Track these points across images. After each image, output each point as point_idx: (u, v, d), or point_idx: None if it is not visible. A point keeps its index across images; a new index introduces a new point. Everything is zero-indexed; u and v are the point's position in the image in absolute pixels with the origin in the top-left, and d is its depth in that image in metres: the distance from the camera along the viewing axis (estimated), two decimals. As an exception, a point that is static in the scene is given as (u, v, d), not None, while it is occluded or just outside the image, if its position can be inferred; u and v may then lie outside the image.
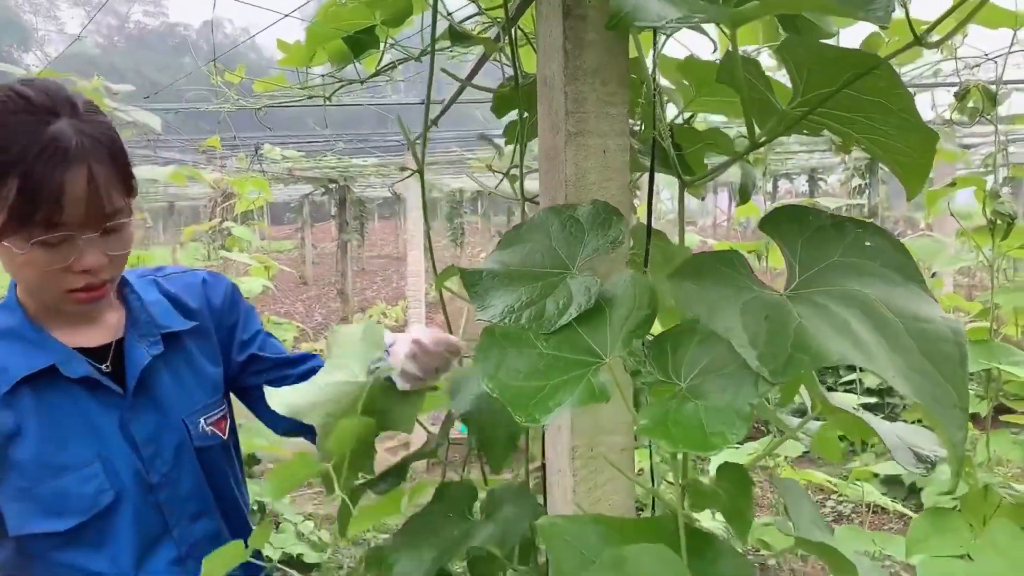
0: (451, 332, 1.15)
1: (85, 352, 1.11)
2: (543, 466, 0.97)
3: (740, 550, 0.71)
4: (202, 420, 1.18)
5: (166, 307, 1.19)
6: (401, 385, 1.03)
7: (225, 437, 1.22)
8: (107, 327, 1.15)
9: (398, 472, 1.07)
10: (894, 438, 0.69)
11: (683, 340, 0.66)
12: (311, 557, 3.41)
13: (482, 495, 1.01)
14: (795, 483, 0.84)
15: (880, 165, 7.39)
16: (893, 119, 0.67)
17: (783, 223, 0.69)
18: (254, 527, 1.27)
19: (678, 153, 0.83)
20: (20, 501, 1.05)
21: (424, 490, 1.40)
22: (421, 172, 1.12)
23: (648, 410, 0.60)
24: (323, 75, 1.62)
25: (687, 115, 1.08)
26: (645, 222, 0.88)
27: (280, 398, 1.02)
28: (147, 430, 1.12)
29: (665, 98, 1.04)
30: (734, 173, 1.03)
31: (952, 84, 1.59)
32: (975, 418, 2.08)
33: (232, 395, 1.31)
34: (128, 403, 1.12)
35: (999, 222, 1.36)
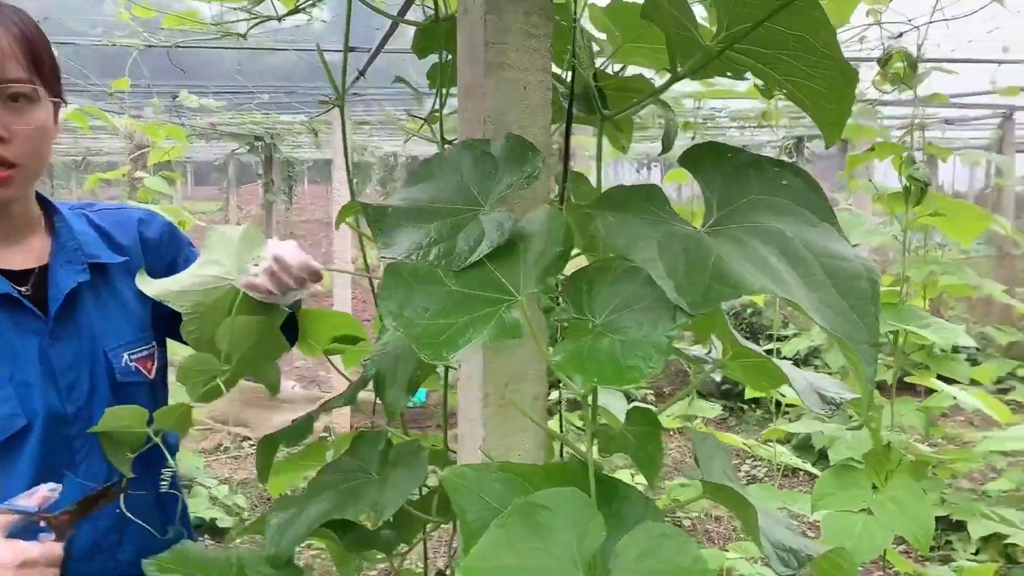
0: (375, 294, 1.11)
1: (7, 275, 1.08)
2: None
3: (650, 497, 0.69)
4: (126, 355, 1.14)
5: (94, 238, 1.16)
6: (253, 296, 1.05)
7: (151, 376, 1.18)
8: (31, 251, 1.12)
9: (304, 425, 1.02)
10: (802, 382, 0.69)
11: (599, 278, 0.63)
12: (225, 522, 3.31)
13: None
14: (710, 436, 0.83)
15: (806, 144, 7.55)
16: (815, 56, 0.65)
17: (703, 160, 0.67)
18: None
19: (598, 88, 0.80)
20: None
21: (348, 442, 1.37)
22: (342, 106, 1.06)
23: (562, 346, 0.57)
24: (237, 8, 1.52)
25: (617, 68, 1.05)
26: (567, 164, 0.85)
27: (151, 284, 1.05)
28: (66, 358, 1.08)
29: (595, 47, 1.01)
30: (671, 155, 1.01)
31: (875, 59, 1.61)
32: (881, 386, 2.17)
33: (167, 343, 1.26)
34: (49, 329, 1.08)
35: (913, 188, 1.40)
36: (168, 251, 1.23)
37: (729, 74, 0.78)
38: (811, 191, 0.66)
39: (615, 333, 0.57)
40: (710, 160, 0.67)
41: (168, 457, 1.10)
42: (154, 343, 1.20)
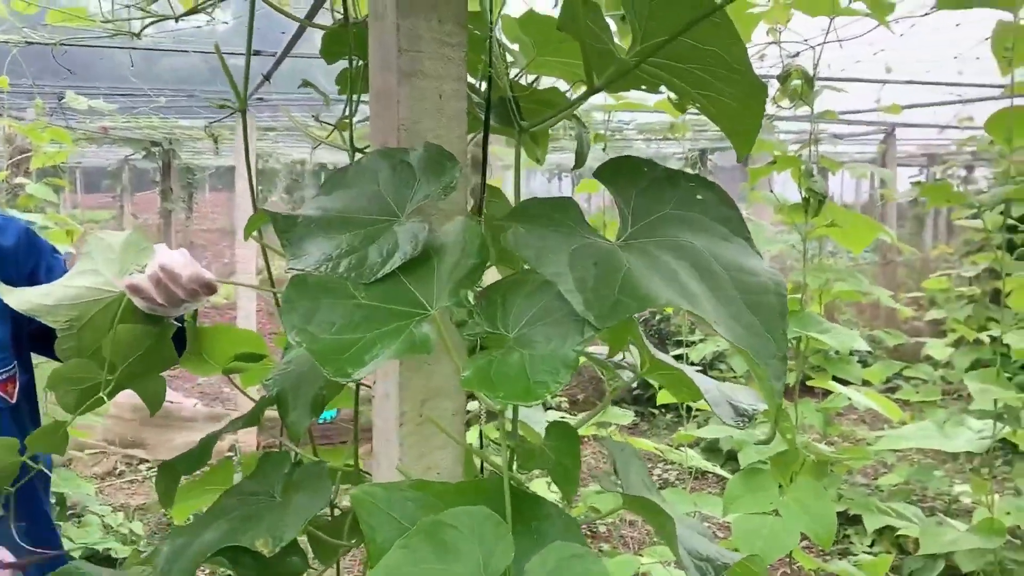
0: (279, 305, 1.05)
1: None
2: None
3: (568, 511, 0.69)
4: None
5: None
6: (138, 304, 0.96)
7: (13, 401, 1.09)
8: None
9: (201, 451, 0.96)
10: (715, 393, 0.70)
11: (514, 291, 0.62)
12: (122, 552, 3.10)
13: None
14: (627, 445, 0.83)
15: (709, 156, 7.83)
16: (727, 71, 0.66)
17: (619, 173, 0.67)
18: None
19: (515, 100, 0.79)
20: None
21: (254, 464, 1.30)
22: (243, 111, 1.01)
23: (471, 361, 0.56)
24: (130, 6, 1.43)
25: (530, 79, 1.05)
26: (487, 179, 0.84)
27: (19, 296, 0.95)
28: None
29: (509, 58, 1.00)
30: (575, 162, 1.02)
31: (773, 77, 1.69)
32: (784, 389, 2.26)
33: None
34: None
35: (812, 200, 1.47)
36: (27, 260, 1.14)
37: (644, 87, 0.79)
38: (724, 205, 0.67)
39: (525, 348, 0.56)
40: (626, 174, 0.67)
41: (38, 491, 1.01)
42: (15, 364, 1.11)
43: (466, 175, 0.84)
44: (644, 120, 6.21)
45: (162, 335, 1.00)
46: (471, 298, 0.63)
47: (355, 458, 0.99)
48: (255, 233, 0.95)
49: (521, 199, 0.84)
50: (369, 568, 0.58)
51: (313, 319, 0.60)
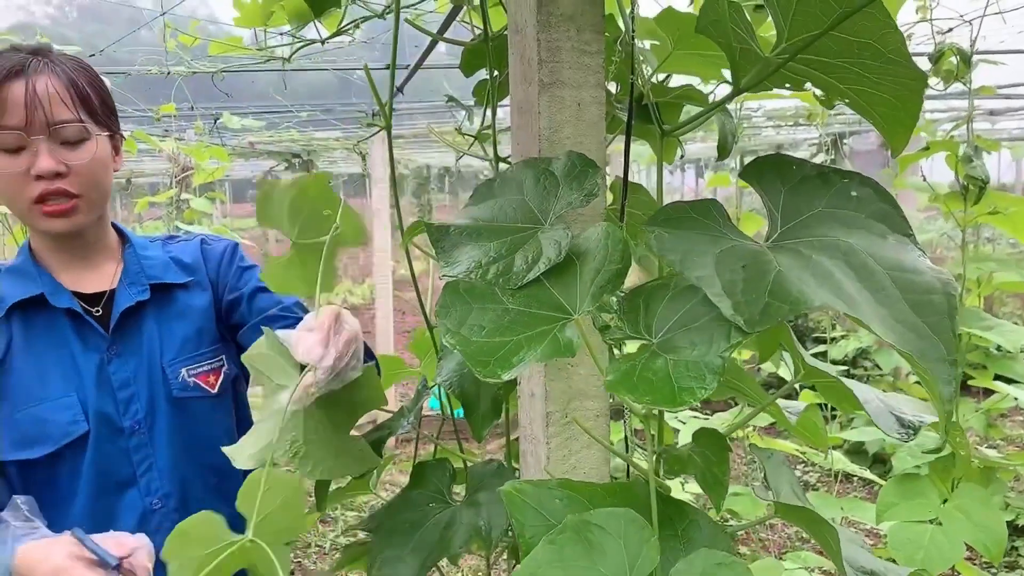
0: (423, 308, 1.08)
1: (80, 297, 1.17)
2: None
3: (715, 518, 0.68)
4: (184, 370, 1.19)
5: (161, 262, 1.23)
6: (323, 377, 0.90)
7: (214, 391, 1.20)
8: (105, 276, 1.20)
9: (373, 453, 1.03)
10: (877, 403, 0.67)
11: (657, 295, 0.62)
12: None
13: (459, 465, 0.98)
14: (774, 452, 0.82)
15: (845, 141, 7.41)
16: (881, 62, 0.64)
17: (765, 173, 0.66)
18: None
19: (656, 103, 0.79)
20: (2, 427, 1.09)
21: (388, 464, 1.38)
22: (388, 128, 1.06)
23: (615, 365, 0.56)
24: (282, 33, 1.55)
25: (662, 77, 1.05)
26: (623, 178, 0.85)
27: (242, 453, 0.90)
28: (124, 373, 1.15)
29: (642, 58, 1.01)
30: (701, 148, 1.00)
31: (923, 54, 1.58)
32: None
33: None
34: (109, 345, 1.15)
35: (971, 187, 1.36)
36: (226, 272, 1.26)
37: (788, 86, 0.77)
38: (881, 201, 0.64)
39: (669, 353, 0.56)
40: (772, 173, 0.65)
41: None
42: (222, 357, 1.22)
43: (605, 178, 0.85)
44: (773, 106, 5.95)
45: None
46: (614, 303, 0.64)
47: (507, 456, 1.02)
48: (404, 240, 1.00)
49: (656, 196, 0.84)
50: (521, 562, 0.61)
51: (465, 323, 0.63)
